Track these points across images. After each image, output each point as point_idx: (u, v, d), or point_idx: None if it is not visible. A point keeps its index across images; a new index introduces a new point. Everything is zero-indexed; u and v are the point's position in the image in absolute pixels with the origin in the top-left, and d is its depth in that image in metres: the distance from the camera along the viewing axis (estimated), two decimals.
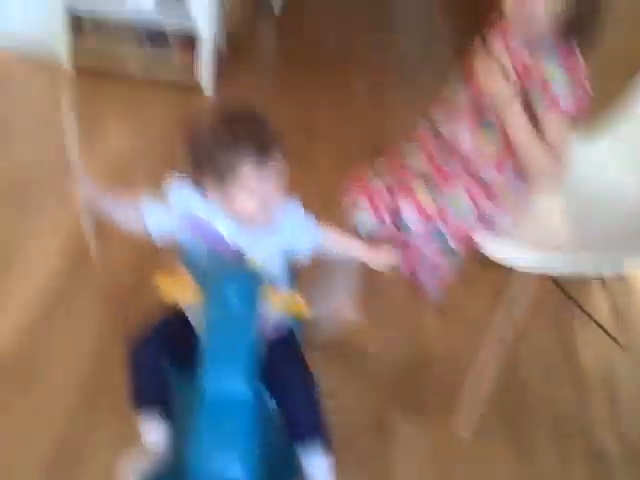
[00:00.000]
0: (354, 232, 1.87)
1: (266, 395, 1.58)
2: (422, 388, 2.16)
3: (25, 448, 1.82)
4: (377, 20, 4.74)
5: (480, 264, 2.09)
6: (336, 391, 1.98)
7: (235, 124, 1.51)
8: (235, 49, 3.89)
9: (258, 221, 1.54)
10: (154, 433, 1.59)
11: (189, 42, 3.53)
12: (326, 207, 1.71)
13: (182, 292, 1.48)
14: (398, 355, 2.26)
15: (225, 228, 1.57)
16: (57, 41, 3.44)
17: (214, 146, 1.50)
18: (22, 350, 2.07)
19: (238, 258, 1.57)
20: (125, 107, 3.33)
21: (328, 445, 1.61)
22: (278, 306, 1.50)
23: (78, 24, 3.49)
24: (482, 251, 1.88)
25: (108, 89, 3.42)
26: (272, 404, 1.60)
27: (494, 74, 1.77)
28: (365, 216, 1.90)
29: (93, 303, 2.25)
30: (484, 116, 1.86)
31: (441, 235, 1.87)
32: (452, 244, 1.88)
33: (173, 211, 1.59)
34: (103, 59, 3.50)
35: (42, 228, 2.51)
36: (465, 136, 1.90)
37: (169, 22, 3.44)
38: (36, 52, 3.51)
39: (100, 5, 3.39)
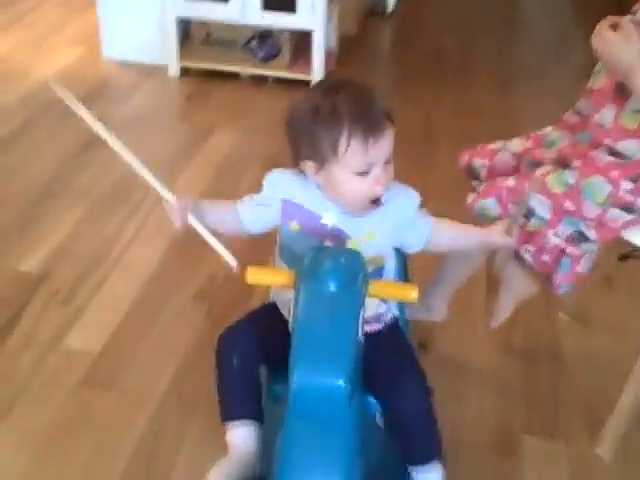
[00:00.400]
0: (474, 220, 1.64)
1: (368, 397, 1.37)
2: (556, 401, 1.90)
3: (107, 450, 1.71)
4: (499, 17, 4.49)
5: (619, 257, 1.82)
6: (452, 398, 1.75)
7: (335, 91, 1.31)
8: (347, 47, 3.74)
9: (368, 206, 1.36)
10: (244, 441, 1.41)
11: (300, 40, 3.42)
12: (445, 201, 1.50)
13: (274, 279, 1.32)
14: (527, 361, 2.00)
15: (329, 216, 1.40)
16: (166, 46, 3.40)
17: (311, 119, 1.31)
18: (111, 351, 1.98)
19: (340, 244, 1.39)
20: (234, 107, 3.25)
21: (443, 463, 1.40)
22: (383, 293, 1.30)
23: (186, 28, 3.44)
24: (624, 240, 1.63)
25: (217, 90, 3.35)
26: (375, 407, 1.39)
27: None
28: (488, 202, 1.68)
29: (188, 309, 2.14)
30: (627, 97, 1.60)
31: (573, 221, 1.62)
32: (586, 231, 1.62)
33: (272, 202, 1.42)
34: (211, 60, 3.42)
35: (147, 231, 2.44)
36: (609, 117, 1.64)
37: (279, 21, 3.32)
38: (146, 58, 3.48)
39: (208, 10, 3.31)
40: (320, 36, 3.31)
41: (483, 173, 1.81)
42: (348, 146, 1.28)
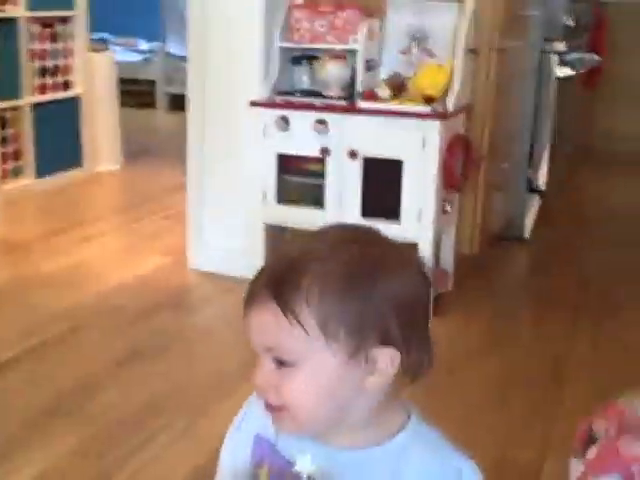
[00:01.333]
0: None
1: None
2: None
3: None
4: None
5: None
6: None
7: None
8: (468, 269, 3.19)
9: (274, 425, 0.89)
10: None
11: None
12: None
13: None
14: None
15: (304, 460, 0.87)
16: (254, 256, 3.00)
17: None
18: None
19: None
20: None
21: None
22: None
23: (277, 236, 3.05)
24: None
25: None
26: None
27: None
28: None
29: None
30: None
31: None
32: None
33: (245, 438, 0.96)
34: None
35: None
36: None
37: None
38: (234, 270, 3.08)
39: (302, 216, 2.91)
40: (427, 249, 2.79)
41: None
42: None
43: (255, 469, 0.91)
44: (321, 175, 2.86)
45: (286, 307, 0.81)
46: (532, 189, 3.93)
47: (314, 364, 0.83)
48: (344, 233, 0.90)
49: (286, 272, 0.82)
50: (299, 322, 0.81)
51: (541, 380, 2.40)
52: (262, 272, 0.86)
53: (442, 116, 2.70)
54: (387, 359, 0.85)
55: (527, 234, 3.82)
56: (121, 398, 2.18)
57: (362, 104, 2.79)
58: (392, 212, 2.79)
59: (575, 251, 3.80)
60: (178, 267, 3.21)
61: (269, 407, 0.86)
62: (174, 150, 4.88)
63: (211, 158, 3.14)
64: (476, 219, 3.31)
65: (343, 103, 2.83)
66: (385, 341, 0.84)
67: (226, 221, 3.13)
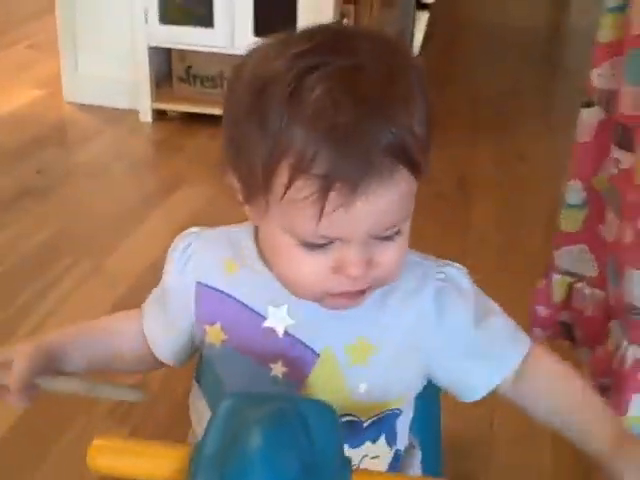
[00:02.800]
0: None
1: None
2: None
3: None
4: (539, 57, 3.85)
5: None
6: None
7: (318, 52, 0.63)
8: None
9: (335, 306, 0.71)
10: None
11: None
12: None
13: (139, 465, 0.63)
14: None
15: (278, 313, 0.74)
16: (137, 85, 2.77)
17: (249, 102, 0.64)
18: None
19: (298, 375, 0.74)
20: (212, 157, 2.56)
21: None
22: None
23: (166, 63, 2.82)
24: None
25: (195, 136, 2.67)
26: None
27: None
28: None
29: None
30: None
31: None
32: None
33: (181, 289, 0.78)
34: (190, 101, 2.77)
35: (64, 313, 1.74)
36: None
37: None
38: (116, 101, 2.85)
39: (188, 36, 2.68)
40: None
41: None
42: (291, 183, 0.61)
43: (202, 325, 0.77)
44: None
45: (419, 172, 0.64)
46: (420, 4, 3.80)
47: (410, 218, 0.69)
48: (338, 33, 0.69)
49: (399, 134, 0.61)
50: (420, 177, 0.65)
51: (449, 197, 2.39)
52: (357, 154, 0.60)
53: None
54: None
55: (417, 51, 3.73)
56: (15, 241, 2.00)
57: None
58: (288, 27, 2.60)
59: (464, 67, 3.76)
60: (54, 100, 2.93)
61: (345, 294, 0.68)
62: None
63: None
64: None
65: None
66: None
67: (104, 48, 2.85)
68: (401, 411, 0.79)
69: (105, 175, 2.43)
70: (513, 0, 4.93)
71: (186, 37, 2.67)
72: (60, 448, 1.38)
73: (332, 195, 0.60)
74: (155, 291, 0.83)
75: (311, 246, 0.65)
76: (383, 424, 0.78)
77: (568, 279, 1.32)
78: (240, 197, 0.70)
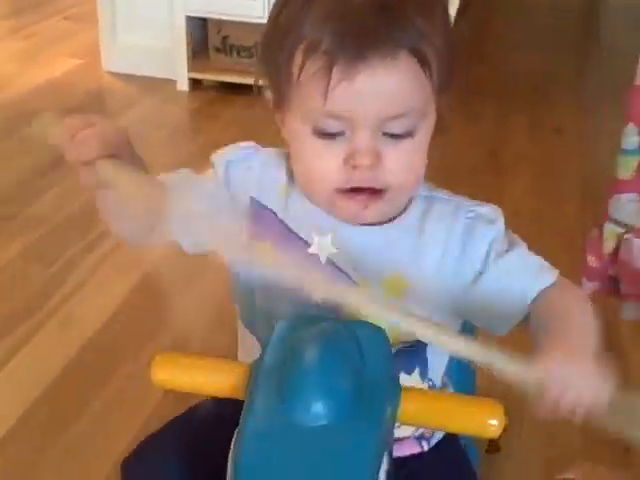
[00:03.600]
0: None
1: None
2: None
3: None
4: (578, 34, 3.82)
5: None
6: None
7: None
8: None
9: (345, 212, 0.75)
10: None
11: None
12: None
13: (199, 380, 0.66)
14: None
15: (324, 241, 0.77)
16: (174, 55, 2.80)
17: (278, 8, 0.73)
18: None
19: (332, 309, 0.72)
20: (248, 126, 2.54)
21: None
22: (426, 419, 0.65)
23: (202, 34, 2.84)
24: None
25: (231, 106, 2.70)
26: None
27: None
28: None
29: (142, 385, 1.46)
30: None
31: None
32: None
33: (232, 198, 0.80)
34: (226, 71, 2.78)
35: (101, 276, 1.79)
36: None
37: None
38: (153, 70, 2.88)
39: (225, 6, 2.70)
40: None
41: None
42: (303, 66, 0.68)
43: (252, 239, 0.76)
44: None
45: (426, 63, 0.68)
46: None
47: (426, 126, 0.72)
48: None
49: (402, 19, 0.67)
50: (432, 78, 0.69)
51: (481, 168, 2.40)
52: (360, 32, 0.66)
53: None
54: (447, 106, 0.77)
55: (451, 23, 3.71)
56: (59, 202, 2.05)
57: None
58: None
59: (499, 42, 3.74)
60: (93, 70, 2.96)
61: (361, 192, 0.72)
62: None
63: None
64: None
65: None
66: (446, 85, 0.74)
67: (141, 16, 2.88)
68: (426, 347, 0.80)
69: (143, 143, 2.41)
70: None
71: (223, 7, 2.69)
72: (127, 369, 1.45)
73: (336, 69, 0.66)
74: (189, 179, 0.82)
75: (323, 134, 0.70)
76: (415, 356, 0.80)
77: (618, 229, 1.29)
78: (272, 105, 0.76)
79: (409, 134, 0.70)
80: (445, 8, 0.74)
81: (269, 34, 0.74)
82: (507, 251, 0.77)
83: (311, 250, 0.77)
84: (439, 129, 0.77)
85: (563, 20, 4.04)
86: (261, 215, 0.79)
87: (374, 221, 0.76)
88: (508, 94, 3.00)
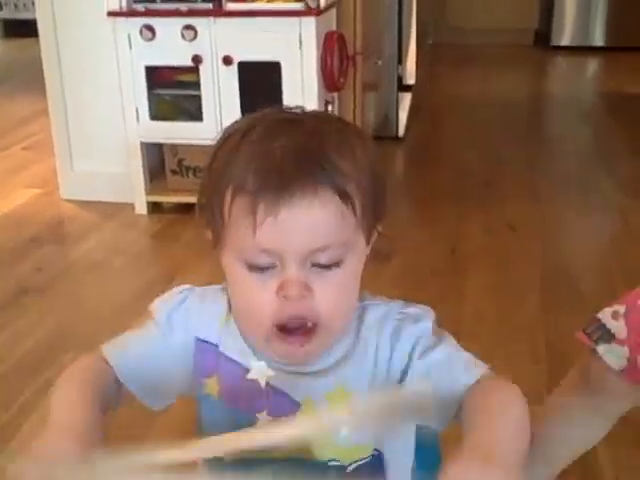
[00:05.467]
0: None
1: None
2: None
3: None
4: (523, 132, 3.94)
5: None
6: None
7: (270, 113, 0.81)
8: None
9: (284, 351, 0.77)
10: None
11: None
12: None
13: None
14: None
15: (259, 366, 0.81)
16: (132, 179, 2.84)
17: (215, 150, 0.79)
18: None
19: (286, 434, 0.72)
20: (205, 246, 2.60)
21: None
22: None
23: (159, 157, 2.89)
24: None
25: (190, 227, 2.71)
26: None
27: None
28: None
29: None
30: None
31: None
32: None
33: (176, 339, 0.84)
34: (183, 193, 2.79)
35: None
36: None
37: None
38: (112, 196, 2.91)
39: (178, 131, 2.76)
40: None
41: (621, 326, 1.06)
42: (232, 204, 0.73)
43: (200, 379, 0.83)
44: (196, 85, 2.71)
45: (347, 197, 0.72)
46: (402, 86, 3.91)
47: (354, 257, 0.75)
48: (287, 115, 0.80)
49: (321, 159, 0.71)
50: (355, 212, 0.73)
51: (441, 268, 2.42)
52: (281, 171, 0.70)
53: (316, 12, 2.60)
54: (377, 232, 0.79)
55: (401, 132, 3.82)
56: (16, 340, 2.03)
57: (230, 5, 2.64)
58: None
59: (449, 142, 3.85)
60: (51, 199, 3.00)
61: (295, 332, 0.74)
62: (20, 79, 4.57)
63: (70, 80, 2.91)
64: (355, 120, 3.26)
65: (209, 6, 2.66)
66: (378, 216, 0.78)
67: (97, 143, 2.94)
68: (383, 454, 0.81)
69: (104, 269, 2.47)
70: (495, 74, 5.08)
71: (176, 132, 2.75)
72: None
73: (260, 206, 0.70)
74: (131, 339, 0.85)
75: (256, 268, 0.73)
76: (370, 469, 0.80)
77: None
78: (212, 245, 0.79)
79: (336, 265, 0.73)
80: (366, 148, 0.77)
81: (205, 180, 0.78)
82: (434, 347, 0.78)
83: (250, 376, 0.80)
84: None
85: (510, 115, 4.18)
86: (205, 351, 0.82)
87: (310, 360, 0.77)
88: (463, 192, 3.06)
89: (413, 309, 0.81)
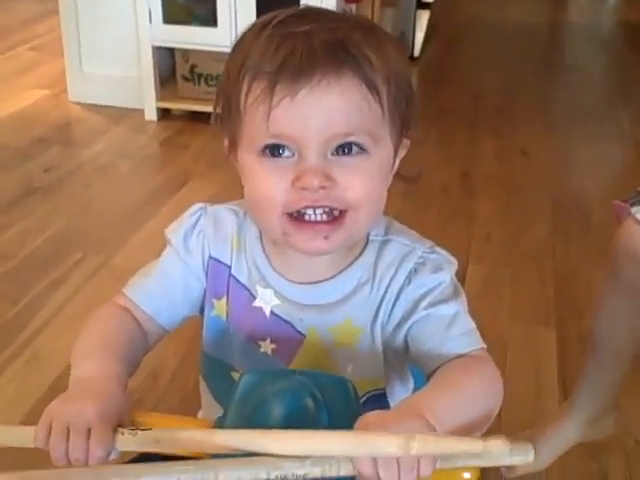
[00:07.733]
0: None
1: None
2: None
3: None
4: (540, 59, 3.86)
5: None
6: None
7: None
8: None
9: (302, 244, 0.71)
10: None
11: None
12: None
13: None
14: None
15: (267, 293, 0.78)
16: (142, 84, 2.79)
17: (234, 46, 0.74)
18: None
19: (286, 353, 0.77)
20: (215, 155, 2.56)
21: None
22: None
23: (170, 63, 2.84)
24: None
25: (199, 135, 2.69)
26: None
27: None
28: None
29: None
30: None
31: None
32: None
33: (189, 259, 0.82)
34: (194, 100, 2.76)
35: (69, 311, 1.76)
36: None
37: None
38: (121, 100, 2.87)
39: (191, 36, 2.70)
40: None
41: None
42: (249, 91, 0.68)
43: (211, 299, 0.81)
44: None
45: (373, 87, 0.68)
46: (421, 3, 3.82)
47: (381, 151, 0.71)
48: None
49: (348, 44, 0.67)
50: (381, 105, 0.69)
51: (452, 191, 2.41)
52: (303, 53, 0.66)
53: None
54: (405, 147, 0.77)
55: (417, 52, 3.74)
56: (25, 237, 2.02)
57: None
58: None
59: (465, 65, 3.78)
60: (59, 100, 2.95)
61: (317, 223, 0.69)
62: None
63: None
64: None
65: None
66: (407, 124, 0.75)
67: (108, 47, 2.87)
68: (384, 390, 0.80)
69: (111, 173, 2.45)
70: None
71: (189, 36, 2.69)
72: None
73: (278, 87, 0.65)
74: (153, 267, 0.83)
75: (269, 155, 0.68)
76: (375, 404, 0.79)
77: None
78: (227, 151, 0.76)
79: (359, 153, 0.69)
80: (396, 49, 0.73)
81: (225, 71, 0.75)
82: (443, 302, 0.75)
83: (255, 303, 0.77)
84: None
85: (527, 41, 4.10)
86: (218, 271, 0.80)
87: (332, 252, 0.73)
88: (476, 116, 3.02)
89: (436, 255, 0.77)
